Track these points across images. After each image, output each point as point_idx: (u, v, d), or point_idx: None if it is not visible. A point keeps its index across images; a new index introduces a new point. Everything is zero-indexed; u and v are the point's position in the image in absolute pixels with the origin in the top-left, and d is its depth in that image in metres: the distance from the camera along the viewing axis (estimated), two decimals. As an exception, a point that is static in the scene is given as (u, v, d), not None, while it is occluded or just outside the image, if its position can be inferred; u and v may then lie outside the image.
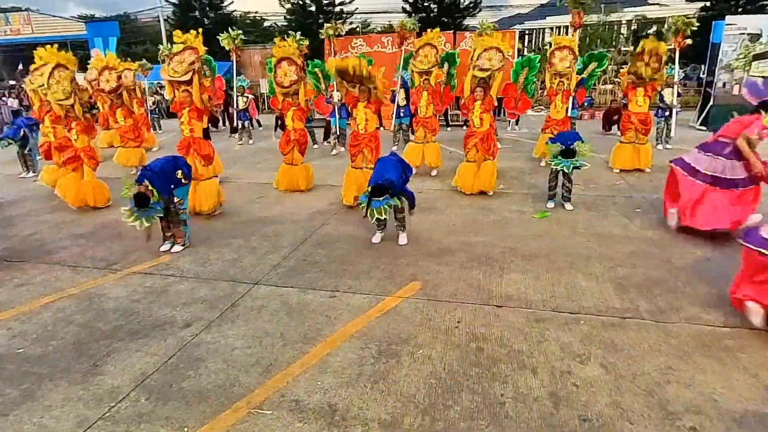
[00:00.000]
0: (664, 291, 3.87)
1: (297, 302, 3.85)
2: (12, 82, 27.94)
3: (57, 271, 4.64)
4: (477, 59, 6.61)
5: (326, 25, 10.77)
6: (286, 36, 7.93)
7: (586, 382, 2.79)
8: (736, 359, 2.96)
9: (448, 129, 14.00)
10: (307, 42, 9.38)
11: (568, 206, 6.13)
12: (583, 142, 5.78)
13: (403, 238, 5.10)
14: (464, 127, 14.65)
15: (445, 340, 3.25)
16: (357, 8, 32.28)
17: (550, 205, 6.22)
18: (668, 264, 4.40)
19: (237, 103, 12.38)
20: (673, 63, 10.02)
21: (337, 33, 10.55)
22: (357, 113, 6.19)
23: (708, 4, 29.23)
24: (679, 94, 10.65)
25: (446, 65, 10.68)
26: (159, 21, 30.60)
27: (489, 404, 2.63)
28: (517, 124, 13.96)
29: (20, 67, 35.19)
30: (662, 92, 9.96)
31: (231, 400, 2.72)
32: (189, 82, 6.11)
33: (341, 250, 4.92)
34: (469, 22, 30.37)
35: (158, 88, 18.87)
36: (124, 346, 3.29)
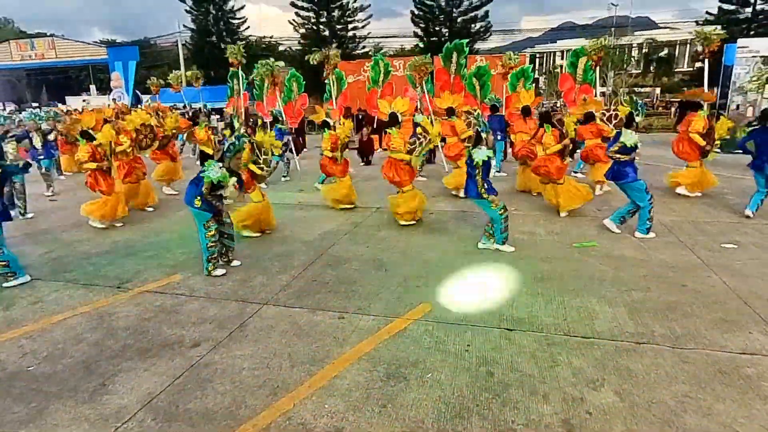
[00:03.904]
0: (680, 316, 3.78)
1: (306, 323, 3.83)
2: (35, 104, 28.82)
3: (70, 289, 4.69)
4: None
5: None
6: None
7: (599, 409, 2.71)
8: (756, 388, 2.86)
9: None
10: None
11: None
12: None
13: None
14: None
15: (454, 363, 3.20)
16: (369, 32, 33.01)
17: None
18: (683, 288, 4.31)
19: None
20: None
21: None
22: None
23: (719, 27, 29.29)
24: None
25: (455, 55, 10.84)
26: (177, 46, 31.58)
27: (499, 431, 2.57)
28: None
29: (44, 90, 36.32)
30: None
31: (237, 422, 2.69)
32: None
33: (351, 271, 4.91)
34: (480, 45, 30.82)
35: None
36: (133, 366, 3.29)
